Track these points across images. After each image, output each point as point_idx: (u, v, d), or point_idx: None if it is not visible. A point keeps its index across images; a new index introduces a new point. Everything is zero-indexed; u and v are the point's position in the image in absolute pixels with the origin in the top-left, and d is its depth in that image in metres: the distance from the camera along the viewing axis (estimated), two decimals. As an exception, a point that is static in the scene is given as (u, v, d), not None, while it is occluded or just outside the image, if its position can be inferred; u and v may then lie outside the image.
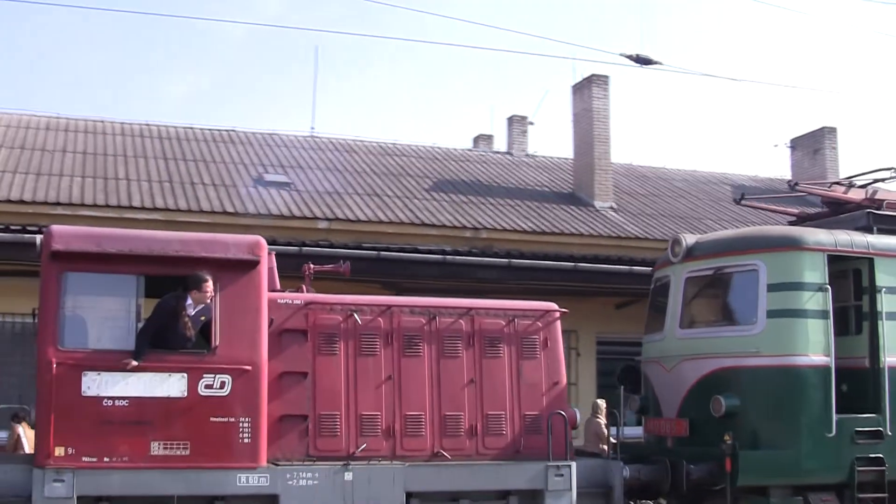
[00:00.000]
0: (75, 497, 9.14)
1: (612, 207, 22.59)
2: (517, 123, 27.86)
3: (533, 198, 22.51)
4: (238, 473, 9.62)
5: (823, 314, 11.39)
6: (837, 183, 13.74)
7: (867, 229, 12.27)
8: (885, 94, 61.25)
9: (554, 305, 11.47)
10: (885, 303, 11.70)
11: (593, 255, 17.83)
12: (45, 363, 9.30)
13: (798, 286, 11.46)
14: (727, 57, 60.58)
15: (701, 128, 62.87)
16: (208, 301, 9.72)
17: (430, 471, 10.32)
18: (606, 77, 23.73)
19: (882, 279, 11.78)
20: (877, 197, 12.94)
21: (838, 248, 11.77)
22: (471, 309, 11.14)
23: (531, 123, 28.08)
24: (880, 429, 11.41)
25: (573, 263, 16.51)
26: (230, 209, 18.53)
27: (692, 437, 11.68)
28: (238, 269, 9.95)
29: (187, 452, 9.50)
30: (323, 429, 10.33)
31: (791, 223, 13.93)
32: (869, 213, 12.46)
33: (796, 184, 13.35)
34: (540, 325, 11.30)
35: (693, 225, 22.20)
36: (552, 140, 66.58)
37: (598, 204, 22.58)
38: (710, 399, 11.46)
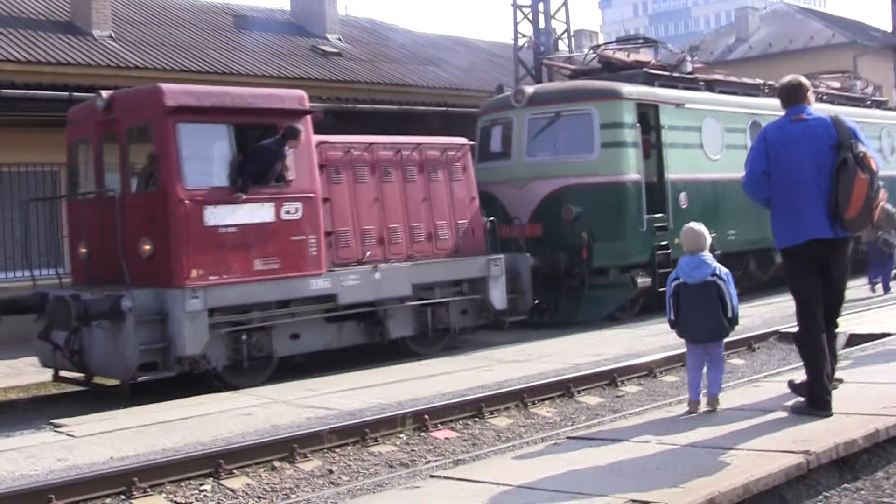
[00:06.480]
0: (206, 309, 11.40)
1: (110, 36, 21.57)
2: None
3: (27, 26, 20.65)
4: (311, 279, 12.37)
5: (636, 145, 16.19)
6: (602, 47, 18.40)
7: (648, 84, 17.13)
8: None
9: (466, 140, 15.04)
10: (667, 136, 16.76)
11: (90, 84, 16.71)
12: (177, 201, 11.25)
13: (620, 125, 16.12)
14: None
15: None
16: (298, 148, 12.08)
17: (424, 268, 13.77)
18: None
19: (664, 119, 16.80)
20: (641, 59, 17.86)
21: (641, 98, 16.54)
22: (420, 144, 14.38)
23: None
24: (666, 224, 16.59)
25: (69, 93, 15.68)
26: None
27: (542, 238, 15.98)
28: (299, 117, 12.35)
29: (278, 266, 12.05)
30: (340, 241, 13.23)
31: (568, 75, 18.50)
32: (646, 71, 17.34)
33: (597, 46, 17.84)
34: (460, 154, 14.85)
35: (194, 54, 22.23)
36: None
37: (96, 33, 21.34)
38: (561, 208, 15.85)
